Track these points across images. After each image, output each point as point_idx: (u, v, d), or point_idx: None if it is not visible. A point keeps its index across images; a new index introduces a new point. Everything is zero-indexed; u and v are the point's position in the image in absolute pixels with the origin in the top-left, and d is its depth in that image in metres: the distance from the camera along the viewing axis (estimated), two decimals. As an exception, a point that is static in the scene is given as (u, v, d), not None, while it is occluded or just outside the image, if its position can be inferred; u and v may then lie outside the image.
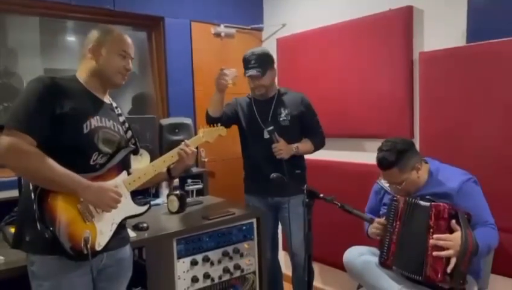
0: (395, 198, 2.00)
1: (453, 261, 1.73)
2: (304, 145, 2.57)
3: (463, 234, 1.73)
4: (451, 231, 1.78)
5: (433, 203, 1.83)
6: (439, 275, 1.74)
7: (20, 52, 2.93)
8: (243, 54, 2.55)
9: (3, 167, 1.44)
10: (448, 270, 1.73)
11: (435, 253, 1.75)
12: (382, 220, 2.03)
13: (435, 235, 1.78)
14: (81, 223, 1.49)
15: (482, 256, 1.86)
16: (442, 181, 1.97)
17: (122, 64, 1.63)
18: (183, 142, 1.87)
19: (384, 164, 1.96)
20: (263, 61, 2.49)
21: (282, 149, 2.42)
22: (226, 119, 2.52)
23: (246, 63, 2.51)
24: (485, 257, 1.95)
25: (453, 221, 1.77)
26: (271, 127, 2.43)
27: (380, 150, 2.00)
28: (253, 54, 2.50)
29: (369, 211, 2.29)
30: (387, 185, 2.14)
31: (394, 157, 1.93)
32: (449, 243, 1.74)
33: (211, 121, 2.41)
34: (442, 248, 1.75)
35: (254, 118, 2.57)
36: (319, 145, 2.66)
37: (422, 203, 1.88)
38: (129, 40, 1.68)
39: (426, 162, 2.06)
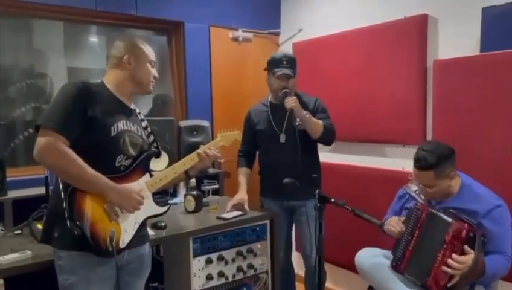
0: (417, 206, 2.00)
1: (455, 279, 1.78)
2: (316, 120, 2.50)
3: (474, 259, 1.75)
4: (463, 251, 1.79)
5: (454, 221, 1.84)
6: (438, 288, 1.81)
7: (45, 53, 3.06)
8: (270, 55, 2.59)
9: (33, 164, 1.54)
10: (448, 285, 1.79)
11: (444, 268, 1.79)
12: (396, 222, 2.05)
13: (448, 253, 1.81)
14: (107, 222, 1.58)
15: (484, 280, 1.88)
16: (474, 199, 1.94)
17: (152, 73, 1.77)
18: (201, 146, 1.96)
19: (422, 164, 1.91)
20: (294, 64, 2.53)
21: (294, 101, 2.41)
22: (255, 145, 2.71)
23: (277, 62, 2.52)
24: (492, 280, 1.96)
25: (468, 245, 1.79)
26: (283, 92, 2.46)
27: (421, 149, 1.96)
28: (285, 55, 2.54)
29: (391, 215, 2.28)
30: (413, 191, 2.12)
31: (434, 160, 1.89)
32: (460, 265, 1.76)
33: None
34: (450, 265, 1.78)
35: (270, 124, 2.62)
36: (328, 131, 2.53)
37: (444, 217, 1.88)
38: (152, 50, 1.80)
39: (459, 175, 2.03)
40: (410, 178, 2.13)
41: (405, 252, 1.98)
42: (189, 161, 1.88)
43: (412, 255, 1.96)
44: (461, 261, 1.77)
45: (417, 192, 2.10)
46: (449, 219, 1.84)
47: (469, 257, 1.77)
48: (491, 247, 1.85)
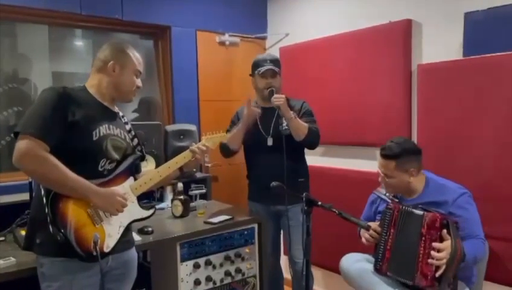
0: (389, 206, 2.05)
1: (442, 268, 1.81)
2: (301, 122, 2.49)
3: (452, 243, 1.81)
4: (441, 239, 1.85)
5: (426, 212, 1.91)
6: (428, 280, 1.84)
7: (29, 57, 3.02)
8: (253, 59, 2.63)
9: (17, 170, 1.52)
10: (437, 275, 1.82)
11: (429, 260, 1.83)
12: (376, 226, 2.08)
13: (428, 245, 1.86)
14: (91, 226, 1.57)
15: (469, 265, 1.92)
16: (439, 192, 2.03)
17: (136, 82, 1.75)
18: (193, 144, 1.94)
19: (386, 152, 2.04)
20: (278, 64, 2.59)
21: (282, 99, 2.42)
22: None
23: (261, 62, 2.56)
24: (474, 266, 2.01)
25: (444, 231, 1.85)
26: (270, 90, 2.49)
27: (390, 140, 2.08)
28: (269, 55, 2.66)
29: (365, 221, 2.34)
30: (383, 193, 2.20)
31: (398, 151, 2.02)
32: (440, 254, 1.81)
33: (231, 154, 2.61)
34: (433, 257, 1.82)
35: (257, 128, 2.61)
36: (312, 134, 2.52)
37: (416, 211, 1.95)
38: (141, 59, 1.78)
39: (423, 174, 2.11)
40: (377, 188, 2.22)
41: (385, 252, 2.02)
42: (173, 164, 1.86)
43: (392, 254, 2.00)
44: (442, 248, 1.82)
45: (387, 194, 2.17)
46: (420, 212, 1.93)
47: (447, 243, 1.82)
48: (464, 232, 1.92)
